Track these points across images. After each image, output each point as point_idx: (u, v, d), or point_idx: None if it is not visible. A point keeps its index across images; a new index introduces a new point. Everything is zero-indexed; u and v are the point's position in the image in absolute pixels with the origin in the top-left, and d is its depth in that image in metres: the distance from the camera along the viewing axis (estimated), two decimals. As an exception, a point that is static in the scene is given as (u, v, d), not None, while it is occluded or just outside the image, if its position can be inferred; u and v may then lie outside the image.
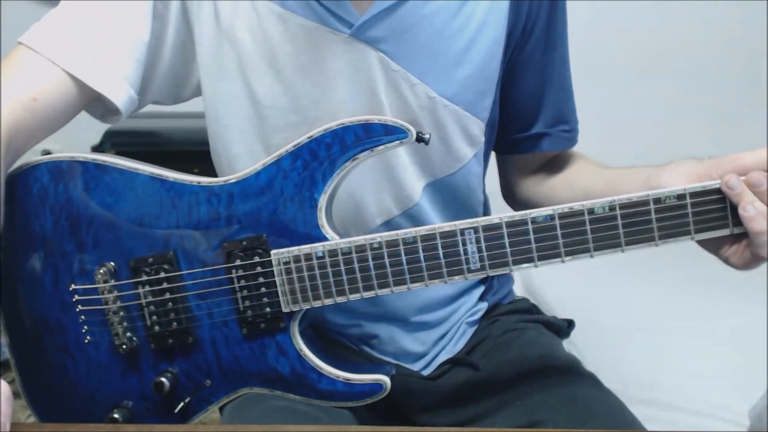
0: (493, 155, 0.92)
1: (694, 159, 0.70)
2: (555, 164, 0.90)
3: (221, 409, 0.81)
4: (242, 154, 0.80)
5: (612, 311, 1.50)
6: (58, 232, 0.76)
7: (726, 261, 0.70)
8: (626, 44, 1.99)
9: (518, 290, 1.03)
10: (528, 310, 0.95)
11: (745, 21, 1.96)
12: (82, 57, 0.72)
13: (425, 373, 0.87)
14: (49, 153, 0.74)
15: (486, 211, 0.91)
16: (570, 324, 0.96)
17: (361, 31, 0.74)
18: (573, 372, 0.82)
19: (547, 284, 1.58)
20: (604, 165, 0.86)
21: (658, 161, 0.75)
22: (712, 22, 1.96)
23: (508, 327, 0.90)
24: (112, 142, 1.67)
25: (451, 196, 0.84)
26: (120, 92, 0.75)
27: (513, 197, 0.95)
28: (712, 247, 0.70)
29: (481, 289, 0.92)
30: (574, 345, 1.49)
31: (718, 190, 0.66)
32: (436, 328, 0.87)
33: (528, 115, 0.85)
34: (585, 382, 0.80)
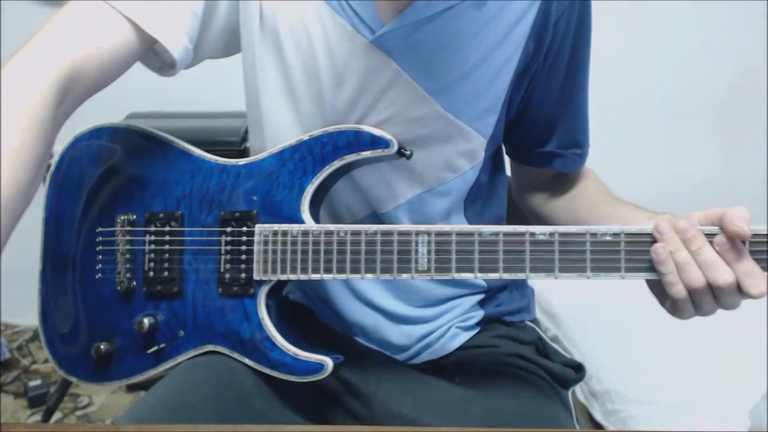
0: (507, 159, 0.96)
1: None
2: (561, 183, 0.91)
3: None
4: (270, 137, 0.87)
5: (612, 311, 1.45)
6: (102, 183, 0.91)
7: (662, 305, 0.72)
8: (624, 55, 2.06)
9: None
10: (533, 343, 0.93)
11: (746, 32, 2.02)
12: (144, 6, 0.74)
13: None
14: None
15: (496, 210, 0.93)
16: (579, 370, 0.92)
17: (381, 41, 0.78)
18: None
19: (547, 284, 1.55)
20: (608, 195, 0.88)
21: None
22: (712, 31, 2.03)
23: (508, 361, 0.89)
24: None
25: (443, 199, 0.87)
26: (176, 42, 0.77)
27: (522, 202, 0.98)
28: (656, 291, 0.72)
29: (481, 296, 0.93)
30: (575, 345, 1.45)
31: (652, 235, 0.70)
32: (423, 325, 0.90)
33: (543, 134, 0.88)
34: None
